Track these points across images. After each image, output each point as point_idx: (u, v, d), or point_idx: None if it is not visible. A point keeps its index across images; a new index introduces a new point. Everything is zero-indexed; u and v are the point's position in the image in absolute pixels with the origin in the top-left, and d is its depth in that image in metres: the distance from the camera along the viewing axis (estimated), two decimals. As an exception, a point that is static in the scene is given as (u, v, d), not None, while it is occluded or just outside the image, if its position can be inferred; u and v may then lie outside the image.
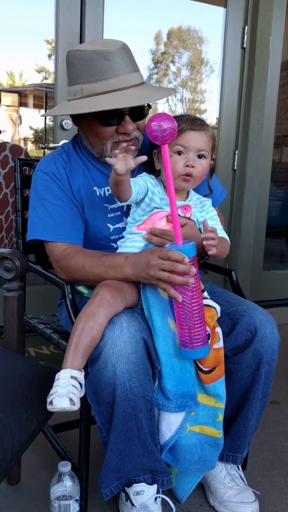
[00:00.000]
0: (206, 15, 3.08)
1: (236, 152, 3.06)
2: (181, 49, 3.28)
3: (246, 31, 2.93)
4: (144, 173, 1.29)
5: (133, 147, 1.26)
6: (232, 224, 3.13)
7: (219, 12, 2.94)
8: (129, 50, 1.23)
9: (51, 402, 1.00)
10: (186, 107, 3.46)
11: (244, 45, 2.95)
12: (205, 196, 1.36)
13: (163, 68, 3.35)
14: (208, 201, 1.35)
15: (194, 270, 1.07)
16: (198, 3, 2.93)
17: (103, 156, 1.30)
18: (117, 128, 1.25)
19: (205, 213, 1.32)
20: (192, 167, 1.20)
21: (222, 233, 1.31)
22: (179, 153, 1.21)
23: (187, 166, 1.20)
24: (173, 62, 3.35)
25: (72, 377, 1.05)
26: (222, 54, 2.97)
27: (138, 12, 2.89)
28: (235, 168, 3.08)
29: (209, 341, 1.18)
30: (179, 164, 1.21)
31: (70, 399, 0.99)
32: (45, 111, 5.07)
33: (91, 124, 1.26)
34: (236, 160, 3.06)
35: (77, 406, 1.01)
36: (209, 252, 1.18)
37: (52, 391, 1.02)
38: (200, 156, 1.22)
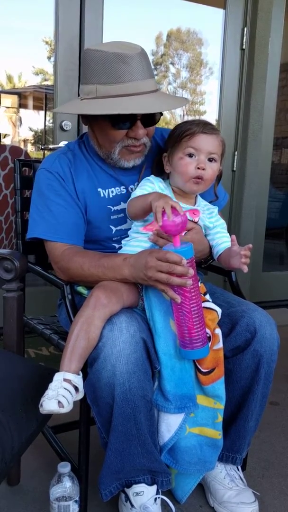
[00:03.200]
0: (205, 17, 3.09)
1: (236, 153, 3.06)
2: (181, 51, 3.28)
3: (245, 32, 2.94)
4: (152, 176, 1.29)
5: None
6: (231, 225, 3.13)
7: (218, 13, 2.95)
8: (147, 56, 1.23)
9: (41, 404, 1.00)
10: (186, 108, 3.46)
11: (243, 47, 2.96)
12: (210, 202, 1.37)
13: (163, 70, 3.36)
14: (215, 209, 1.36)
15: (192, 271, 1.07)
16: (198, 4, 2.94)
17: (109, 158, 1.31)
18: (127, 132, 1.25)
19: (213, 219, 1.33)
20: (203, 169, 1.21)
21: (229, 242, 1.32)
22: (190, 155, 1.22)
23: (198, 168, 1.21)
24: (172, 63, 3.36)
25: (65, 379, 1.05)
26: (221, 55, 2.98)
27: (137, 14, 2.89)
28: (235, 169, 3.08)
29: (210, 344, 1.18)
30: (191, 167, 1.21)
31: (59, 402, 0.99)
32: (45, 112, 5.08)
33: (102, 126, 1.26)
34: (235, 161, 3.07)
35: (66, 409, 1.00)
36: (245, 271, 1.21)
37: (44, 393, 1.03)
38: (210, 160, 1.22)
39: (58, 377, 1.06)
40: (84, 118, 1.33)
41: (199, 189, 1.25)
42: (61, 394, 1.01)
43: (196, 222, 1.28)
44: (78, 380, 1.07)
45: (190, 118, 3.40)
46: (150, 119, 1.25)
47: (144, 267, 1.10)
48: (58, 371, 1.08)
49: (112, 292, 1.14)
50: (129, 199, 1.25)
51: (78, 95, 1.32)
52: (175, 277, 1.06)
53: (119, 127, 1.23)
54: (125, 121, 1.22)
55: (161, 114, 1.31)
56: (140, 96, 1.19)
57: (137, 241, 1.25)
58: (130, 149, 1.28)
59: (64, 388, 1.03)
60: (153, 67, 3.25)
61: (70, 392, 1.03)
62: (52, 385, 1.04)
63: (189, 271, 1.06)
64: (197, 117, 3.41)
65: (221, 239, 1.31)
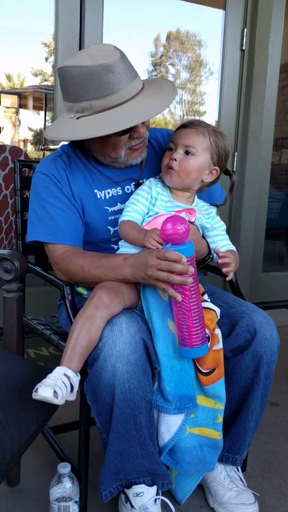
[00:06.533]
0: (205, 18, 3.09)
1: (236, 154, 3.06)
2: (181, 52, 3.29)
3: (245, 33, 2.94)
4: (152, 179, 1.29)
5: None
6: (231, 226, 3.13)
7: (218, 14, 2.95)
8: (125, 56, 1.22)
9: (36, 389, 1.00)
10: (186, 109, 3.47)
11: (243, 47, 2.96)
12: (214, 205, 1.37)
13: (163, 71, 3.36)
14: (213, 209, 1.35)
15: (192, 269, 1.08)
16: (197, 5, 2.94)
17: (116, 162, 1.31)
18: (130, 134, 1.25)
19: (211, 219, 1.33)
20: (174, 160, 1.22)
21: (229, 245, 1.32)
22: (171, 149, 1.24)
23: (170, 159, 1.23)
24: (172, 64, 3.36)
25: (65, 375, 1.05)
26: (221, 56, 2.98)
27: (138, 14, 2.89)
28: (234, 170, 3.08)
29: (209, 344, 1.18)
30: (166, 158, 1.24)
31: (55, 391, 1.00)
32: (45, 112, 5.07)
33: (104, 137, 1.23)
34: (235, 162, 3.07)
35: (59, 401, 1.01)
36: (227, 279, 1.24)
37: (42, 381, 1.03)
38: (187, 153, 1.22)
39: (59, 370, 1.06)
40: None
41: (172, 179, 1.24)
42: (58, 386, 1.01)
43: (192, 222, 1.28)
44: (76, 380, 1.07)
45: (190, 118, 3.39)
46: None
47: (144, 266, 1.10)
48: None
49: (114, 292, 1.14)
50: (121, 218, 1.24)
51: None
52: (175, 275, 1.07)
53: (124, 132, 1.22)
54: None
55: None
56: (135, 100, 1.19)
57: None
58: (133, 148, 1.28)
59: (62, 381, 1.03)
60: (152, 68, 3.26)
61: (66, 387, 1.03)
62: (51, 375, 1.04)
63: (190, 269, 1.07)
64: (196, 118, 3.41)
65: (221, 242, 1.32)
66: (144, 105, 1.19)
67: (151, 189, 1.26)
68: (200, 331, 1.12)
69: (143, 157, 1.34)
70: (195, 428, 1.24)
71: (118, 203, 1.34)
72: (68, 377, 1.05)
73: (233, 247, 1.32)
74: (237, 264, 1.27)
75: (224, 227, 1.36)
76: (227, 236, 1.34)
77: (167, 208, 1.24)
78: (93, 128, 1.19)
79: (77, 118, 1.22)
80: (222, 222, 1.36)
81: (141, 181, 1.36)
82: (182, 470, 1.25)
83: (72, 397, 1.06)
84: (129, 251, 1.22)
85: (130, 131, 1.23)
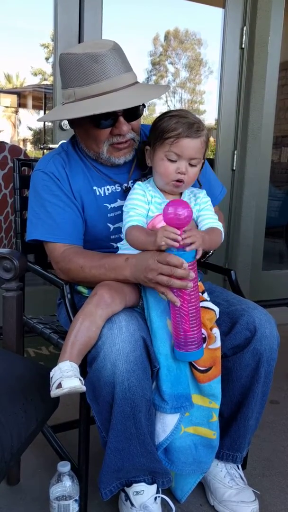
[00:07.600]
0: (204, 16, 3.09)
1: (235, 152, 3.06)
2: (180, 50, 3.28)
3: (244, 31, 2.93)
4: (140, 183, 1.27)
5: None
6: (231, 224, 3.13)
7: (217, 12, 2.94)
8: (121, 50, 1.22)
9: (59, 385, 0.99)
10: (185, 108, 3.46)
11: (243, 46, 2.95)
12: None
13: (162, 70, 3.36)
14: (201, 192, 1.30)
15: (192, 275, 1.07)
16: (197, 4, 2.94)
17: (99, 158, 1.30)
18: (111, 130, 1.24)
19: (198, 206, 1.28)
20: (184, 174, 1.19)
21: (213, 223, 1.26)
22: (171, 160, 1.19)
23: (178, 172, 1.19)
24: (172, 63, 3.35)
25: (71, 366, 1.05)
26: (220, 54, 2.98)
27: (137, 13, 2.89)
28: (234, 168, 3.08)
29: (204, 344, 1.18)
30: (170, 170, 1.19)
31: (80, 379, 1.01)
32: (44, 112, 5.08)
33: (85, 127, 1.26)
34: (235, 160, 3.07)
35: (84, 389, 1.02)
36: (197, 257, 1.13)
37: (55, 378, 1.02)
38: (191, 163, 1.20)
39: (64, 363, 1.05)
40: (70, 122, 1.32)
41: (180, 190, 1.24)
42: (77, 375, 1.02)
43: None
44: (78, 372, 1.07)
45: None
46: (133, 114, 1.24)
47: (145, 269, 1.10)
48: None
49: (116, 292, 1.14)
50: (126, 225, 1.19)
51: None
52: (176, 279, 1.06)
53: (102, 126, 1.22)
54: (107, 119, 1.21)
55: (144, 106, 1.28)
56: (117, 92, 1.18)
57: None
58: (117, 147, 1.27)
59: (76, 369, 1.04)
60: (151, 67, 3.26)
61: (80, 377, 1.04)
62: (63, 369, 1.03)
63: (190, 274, 1.06)
64: (185, 111, 3.40)
65: (205, 221, 1.25)
66: (119, 99, 1.18)
67: (145, 192, 1.24)
68: (197, 335, 1.12)
69: (128, 159, 1.31)
70: (189, 427, 1.24)
71: (118, 200, 1.33)
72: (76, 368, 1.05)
73: (215, 224, 1.25)
74: (209, 240, 1.17)
75: (210, 204, 1.29)
76: (212, 213, 1.27)
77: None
78: (63, 112, 1.23)
79: (63, 104, 1.25)
80: (208, 199, 1.29)
81: (130, 184, 1.34)
82: (177, 469, 1.25)
83: (84, 387, 1.06)
84: (130, 252, 1.22)
85: (110, 126, 1.23)
